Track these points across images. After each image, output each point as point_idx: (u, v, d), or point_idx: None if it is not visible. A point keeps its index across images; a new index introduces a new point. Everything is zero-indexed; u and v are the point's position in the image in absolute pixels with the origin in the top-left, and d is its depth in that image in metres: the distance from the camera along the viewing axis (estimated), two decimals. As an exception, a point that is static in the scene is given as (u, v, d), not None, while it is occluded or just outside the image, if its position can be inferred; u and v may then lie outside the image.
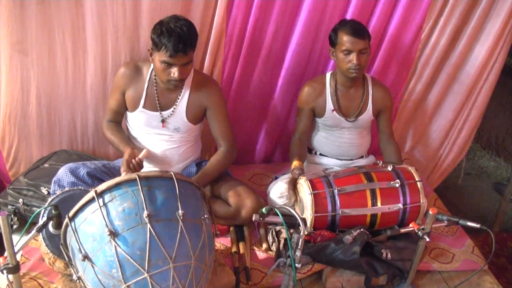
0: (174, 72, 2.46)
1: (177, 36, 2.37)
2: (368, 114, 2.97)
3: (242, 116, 3.33)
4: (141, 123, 2.72)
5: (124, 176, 1.93)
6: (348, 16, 2.98)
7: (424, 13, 3.07)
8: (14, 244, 1.88)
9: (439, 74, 3.39)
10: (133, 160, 2.51)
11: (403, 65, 3.30)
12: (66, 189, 2.31)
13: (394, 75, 3.33)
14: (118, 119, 2.80)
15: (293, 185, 2.73)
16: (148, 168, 2.75)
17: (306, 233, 2.08)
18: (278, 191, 2.84)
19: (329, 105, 2.92)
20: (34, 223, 2.04)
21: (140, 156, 2.55)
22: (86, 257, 1.85)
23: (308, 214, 2.57)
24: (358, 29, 2.70)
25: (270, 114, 3.37)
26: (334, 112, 2.92)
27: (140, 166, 2.55)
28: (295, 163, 2.80)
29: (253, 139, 3.50)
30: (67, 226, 1.93)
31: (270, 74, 3.19)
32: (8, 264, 1.88)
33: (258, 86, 3.21)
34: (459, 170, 3.99)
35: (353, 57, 2.72)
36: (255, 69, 3.12)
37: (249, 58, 3.05)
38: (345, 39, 2.71)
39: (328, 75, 2.96)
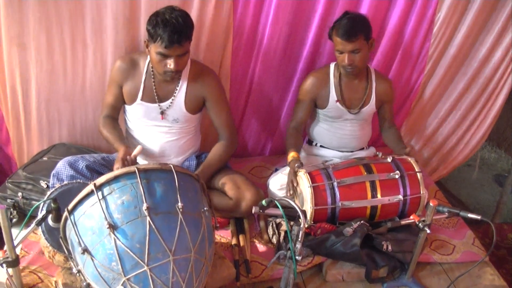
0: (170, 63, 2.45)
1: (172, 27, 2.36)
2: (371, 106, 2.96)
3: (253, 112, 3.33)
4: (139, 116, 2.71)
5: (123, 168, 1.93)
6: (362, 10, 2.95)
7: (435, 6, 3.03)
8: (14, 237, 1.88)
9: (457, 73, 3.37)
10: (128, 157, 2.49)
11: (417, 61, 3.28)
12: (65, 182, 2.30)
13: (409, 72, 3.32)
14: (115, 114, 2.78)
15: (293, 178, 2.72)
16: (147, 160, 2.75)
17: (306, 226, 2.08)
18: (278, 183, 2.83)
19: (333, 95, 2.91)
20: (33, 216, 2.04)
21: (134, 153, 2.51)
22: (85, 250, 1.84)
23: (308, 207, 2.57)
24: (348, 31, 2.65)
25: (280, 109, 3.36)
26: (338, 103, 2.91)
27: (134, 163, 2.52)
28: (292, 155, 2.77)
29: (264, 134, 3.49)
30: (66, 219, 1.92)
31: (283, 70, 3.17)
32: (7, 257, 1.88)
33: (270, 81, 3.19)
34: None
35: (344, 57, 2.72)
36: (264, 64, 3.09)
37: (256, 53, 3.04)
38: (337, 40, 2.70)
39: (332, 65, 2.94)
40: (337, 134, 3.03)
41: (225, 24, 2.87)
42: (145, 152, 2.73)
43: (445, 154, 3.69)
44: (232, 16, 2.86)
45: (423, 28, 3.11)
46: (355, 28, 2.67)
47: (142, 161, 2.75)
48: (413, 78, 3.34)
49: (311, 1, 2.92)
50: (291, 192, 2.70)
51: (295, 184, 2.70)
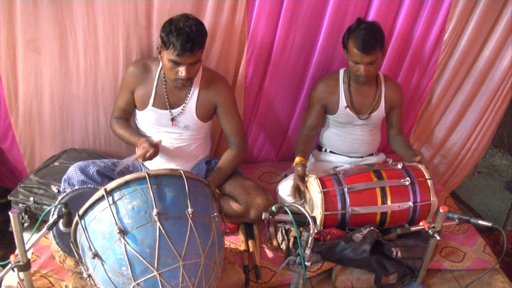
0: (182, 71, 2.46)
1: (185, 36, 2.37)
2: (380, 111, 2.97)
3: (266, 121, 3.32)
4: (150, 122, 2.73)
5: (133, 174, 1.94)
6: (371, 17, 2.94)
7: (446, 13, 3.02)
8: (25, 242, 1.89)
9: (464, 79, 3.35)
10: (152, 141, 2.49)
11: (426, 68, 3.27)
12: (76, 187, 2.31)
13: (418, 79, 3.31)
14: (126, 117, 2.81)
15: (297, 183, 2.72)
16: (157, 166, 2.76)
17: (315, 231, 2.08)
18: (287, 189, 2.83)
19: (342, 101, 2.91)
20: (44, 221, 2.05)
21: (156, 140, 2.53)
22: (96, 255, 1.86)
23: (318, 212, 2.57)
24: (367, 43, 2.64)
25: (293, 118, 3.35)
26: (347, 109, 2.91)
27: (157, 146, 2.54)
28: (297, 160, 2.79)
29: (274, 140, 3.49)
30: (77, 224, 1.93)
31: (296, 79, 3.17)
32: (19, 261, 1.89)
33: (280, 90, 3.19)
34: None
35: (360, 67, 2.72)
36: (280, 73, 3.09)
37: (273, 64, 3.03)
38: (354, 51, 2.68)
39: (341, 71, 2.95)
40: (347, 140, 3.03)
41: (239, 33, 2.88)
42: (156, 157, 2.74)
43: (456, 162, 3.67)
44: (246, 25, 2.86)
45: (433, 35, 3.10)
46: (373, 40, 2.66)
47: (151, 167, 2.76)
48: (422, 84, 3.33)
49: (321, 8, 2.92)
50: (296, 196, 2.70)
51: (302, 189, 2.70)
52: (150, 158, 2.51)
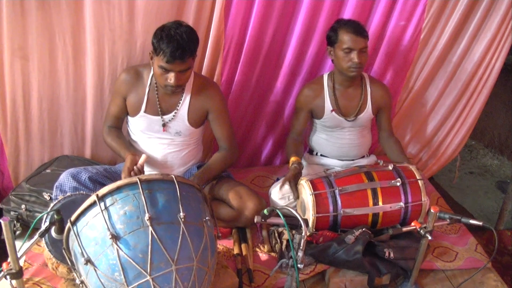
0: (171, 78, 2.47)
1: (175, 43, 2.38)
2: (367, 112, 2.98)
3: (240, 118, 3.33)
4: (142, 128, 2.73)
5: (125, 179, 1.94)
6: (345, 16, 2.98)
7: (422, 13, 3.06)
8: (17, 249, 1.89)
9: (437, 73, 3.39)
10: (134, 167, 2.51)
11: (402, 65, 3.30)
12: (68, 194, 2.31)
13: (393, 75, 3.33)
14: (119, 124, 2.81)
15: (294, 179, 2.73)
16: (150, 172, 2.76)
17: (308, 233, 2.08)
18: (279, 192, 2.84)
19: (328, 105, 2.93)
20: (36, 228, 2.05)
21: (140, 162, 2.55)
22: (88, 261, 1.85)
23: (310, 215, 2.58)
24: (359, 28, 2.73)
25: (268, 115, 3.37)
26: (333, 112, 2.93)
27: (141, 172, 2.54)
28: (292, 159, 2.81)
29: (251, 141, 3.50)
30: (69, 230, 1.93)
31: (269, 76, 3.20)
32: (11, 269, 1.89)
33: (256, 88, 3.21)
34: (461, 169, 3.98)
35: (354, 55, 2.73)
36: (254, 71, 3.12)
37: (248, 60, 3.05)
38: (347, 38, 2.72)
39: (325, 76, 2.97)
40: (336, 144, 3.04)
41: (216, 34, 2.89)
42: (148, 163, 2.74)
43: (434, 149, 3.68)
44: (223, 25, 2.88)
45: (408, 35, 3.15)
46: (363, 26, 2.77)
47: (148, 169, 2.76)
48: (398, 82, 3.37)
49: (293, 8, 2.97)
50: (295, 195, 2.72)
51: (295, 194, 2.72)
52: None
